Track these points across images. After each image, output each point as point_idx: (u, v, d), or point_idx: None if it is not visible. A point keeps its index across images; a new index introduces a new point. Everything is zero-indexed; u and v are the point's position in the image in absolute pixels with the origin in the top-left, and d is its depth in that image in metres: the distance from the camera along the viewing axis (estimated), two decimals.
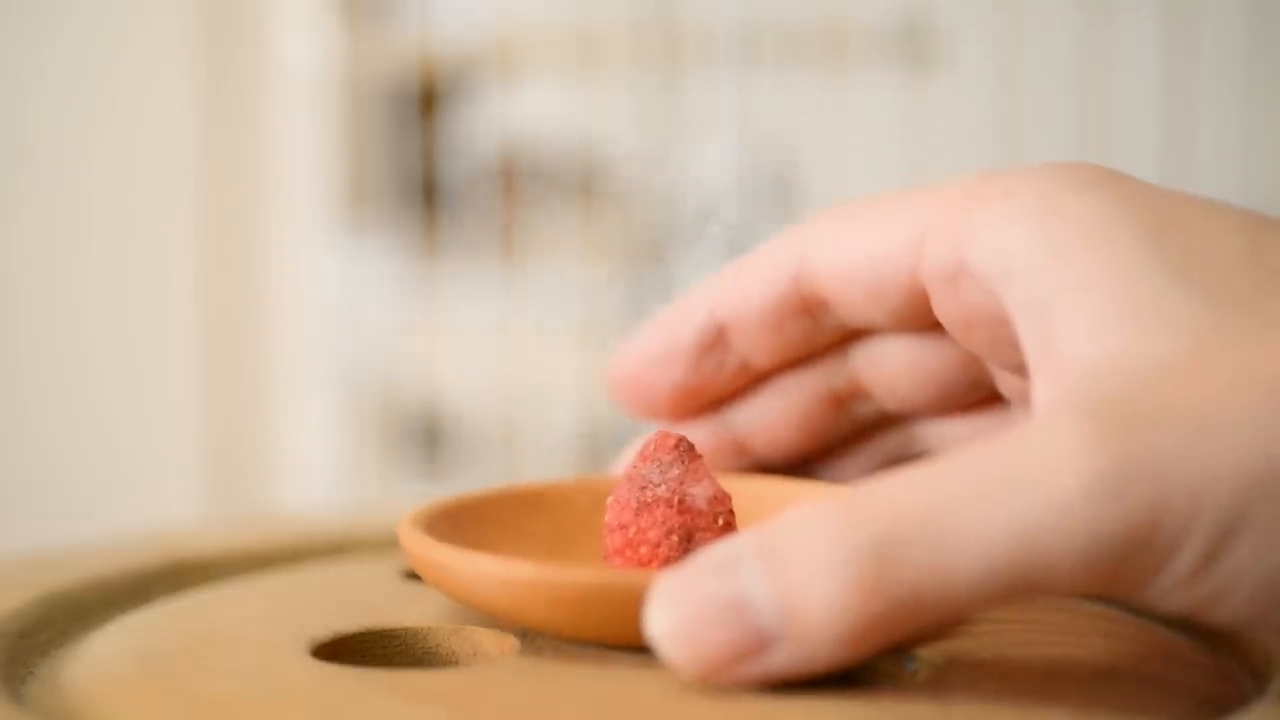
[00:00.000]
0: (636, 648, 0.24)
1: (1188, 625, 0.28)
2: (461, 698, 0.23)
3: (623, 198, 1.28)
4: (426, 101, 1.32)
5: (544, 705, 0.23)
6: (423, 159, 1.31)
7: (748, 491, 0.30)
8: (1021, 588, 0.21)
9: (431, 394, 1.31)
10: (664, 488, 0.27)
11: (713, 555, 0.22)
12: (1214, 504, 0.21)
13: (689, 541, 0.27)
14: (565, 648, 0.25)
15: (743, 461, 0.32)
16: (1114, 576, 0.21)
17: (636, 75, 1.20)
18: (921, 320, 0.28)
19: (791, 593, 0.22)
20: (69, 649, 0.28)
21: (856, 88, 1.14)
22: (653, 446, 0.28)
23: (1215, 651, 0.28)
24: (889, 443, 0.32)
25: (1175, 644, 0.27)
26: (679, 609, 0.22)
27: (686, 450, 0.28)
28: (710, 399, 0.31)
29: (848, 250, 0.28)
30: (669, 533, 0.27)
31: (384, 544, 0.35)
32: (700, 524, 0.27)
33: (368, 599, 0.29)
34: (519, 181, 1.29)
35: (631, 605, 0.23)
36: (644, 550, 0.27)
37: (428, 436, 1.32)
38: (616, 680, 0.24)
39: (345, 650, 0.26)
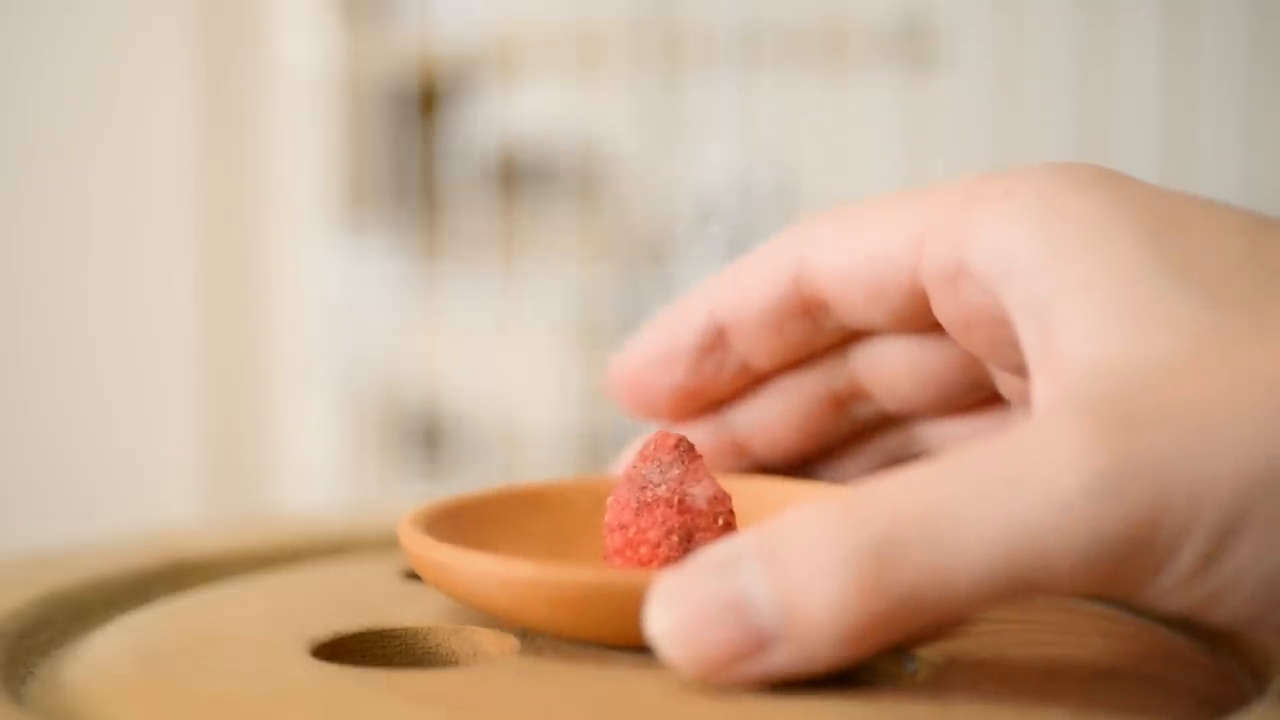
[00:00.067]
0: (636, 648, 0.24)
1: (1188, 625, 0.28)
2: (461, 698, 0.23)
3: (623, 198, 1.28)
4: (426, 101, 1.32)
5: (544, 705, 0.23)
6: (423, 159, 1.31)
7: (748, 491, 0.30)
8: (1021, 588, 0.21)
9: (431, 394, 1.31)
10: (664, 488, 0.27)
11: (713, 555, 0.22)
12: (1214, 504, 0.21)
13: (689, 541, 0.27)
14: (565, 648, 0.25)
15: (743, 462, 0.32)
16: (1114, 576, 0.21)
17: (636, 75, 1.20)
18: (921, 321, 0.28)
19: (791, 593, 0.22)
20: (69, 649, 0.28)
21: (856, 88, 1.14)
22: (653, 446, 0.28)
23: (1215, 651, 0.28)
24: (889, 443, 0.32)
25: (1175, 644, 0.27)
26: (679, 609, 0.22)
27: (686, 450, 0.28)
28: (710, 400, 0.31)
29: (847, 251, 0.28)
30: (669, 533, 0.27)
31: (384, 544, 0.35)
32: (700, 524, 0.27)
33: (368, 599, 0.29)
34: (519, 181, 1.29)
35: (631, 605, 0.23)
36: (644, 550, 0.27)
37: (428, 436, 1.32)
38: (616, 680, 0.24)
39: (345, 650, 0.26)
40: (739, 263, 0.30)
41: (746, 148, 1.20)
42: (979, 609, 0.22)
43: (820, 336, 0.30)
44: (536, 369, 1.23)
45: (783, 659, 0.22)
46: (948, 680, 0.24)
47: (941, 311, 0.27)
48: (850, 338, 0.30)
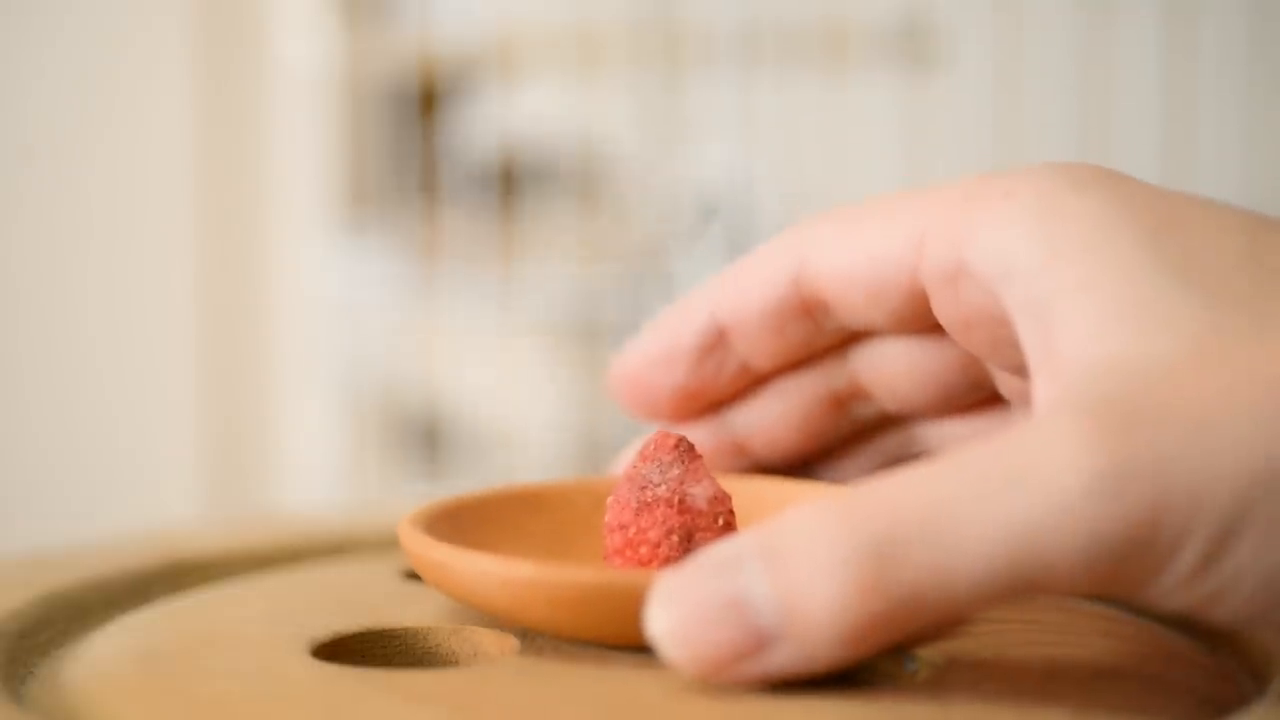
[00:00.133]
0: (637, 648, 0.24)
1: (1188, 625, 0.28)
2: (461, 698, 0.23)
3: (623, 198, 1.28)
4: (426, 101, 1.32)
5: (544, 705, 0.23)
6: (423, 159, 1.31)
7: (748, 491, 0.30)
8: (1021, 587, 0.21)
9: (431, 394, 1.31)
10: (664, 488, 0.27)
11: (713, 555, 0.22)
12: (1214, 503, 0.21)
13: (689, 541, 0.27)
14: (565, 648, 0.25)
15: (743, 463, 0.32)
16: (1114, 576, 0.21)
17: (636, 75, 1.20)
18: (921, 322, 0.28)
19: (792, 592, 0.22)
20: (69, 649, 0.28)
21: (856, 88, 1.14)
22: (653, 446, 0.28)
23: (1215, 651, 0.28)
24: (889, 444, 0.32)
25: (1175, 644, 0.27)
26: (679, 608, 0.22)
27: (686, 450, 0.28)
28: (711, 400, 0.31)
29: (847, 251, 0.28)
30: (669, 533, 0.27)
31: (384, 544, 0.35)
32: (700, 524, 0.27)
33: (368, 599, 0.29)
34: (519, 182, 1.29)
35: (632, 605, 0.23)
36: (644, 550, 0.27)
37: (427, 436, 1.32)
38: (616, 680, 0.24)
39: (345, 650, 0.26)
40: (739, 263, 0.30)
41: (746, 148, 1.20)
42: (979, 609, 0.22)
43: (820, 337, 0.30)
44: (536, 369, 1.23)
45: (783, 659, 0.22)
46: (948, 680, 0.24)
47: (941, 312, 0.27)
48: (850, 338, 0.30)
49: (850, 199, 0.29)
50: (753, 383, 0.31)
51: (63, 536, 0.37)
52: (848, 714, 0.22)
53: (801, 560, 0.22)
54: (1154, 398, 0.22)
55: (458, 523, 0.28)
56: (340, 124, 1.31)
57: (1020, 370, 0.27)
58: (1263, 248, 0.24)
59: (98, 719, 0.24)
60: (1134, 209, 0.24)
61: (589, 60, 1.20)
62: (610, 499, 0.27)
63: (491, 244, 1.26)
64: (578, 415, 1.21)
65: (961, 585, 0.21)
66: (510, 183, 1.27)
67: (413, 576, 0.31)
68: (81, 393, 1.33)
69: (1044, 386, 0.24)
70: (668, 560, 0.26)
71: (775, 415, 0.31)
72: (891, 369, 0.30)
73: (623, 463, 0.31)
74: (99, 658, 0.27)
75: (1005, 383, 0.29)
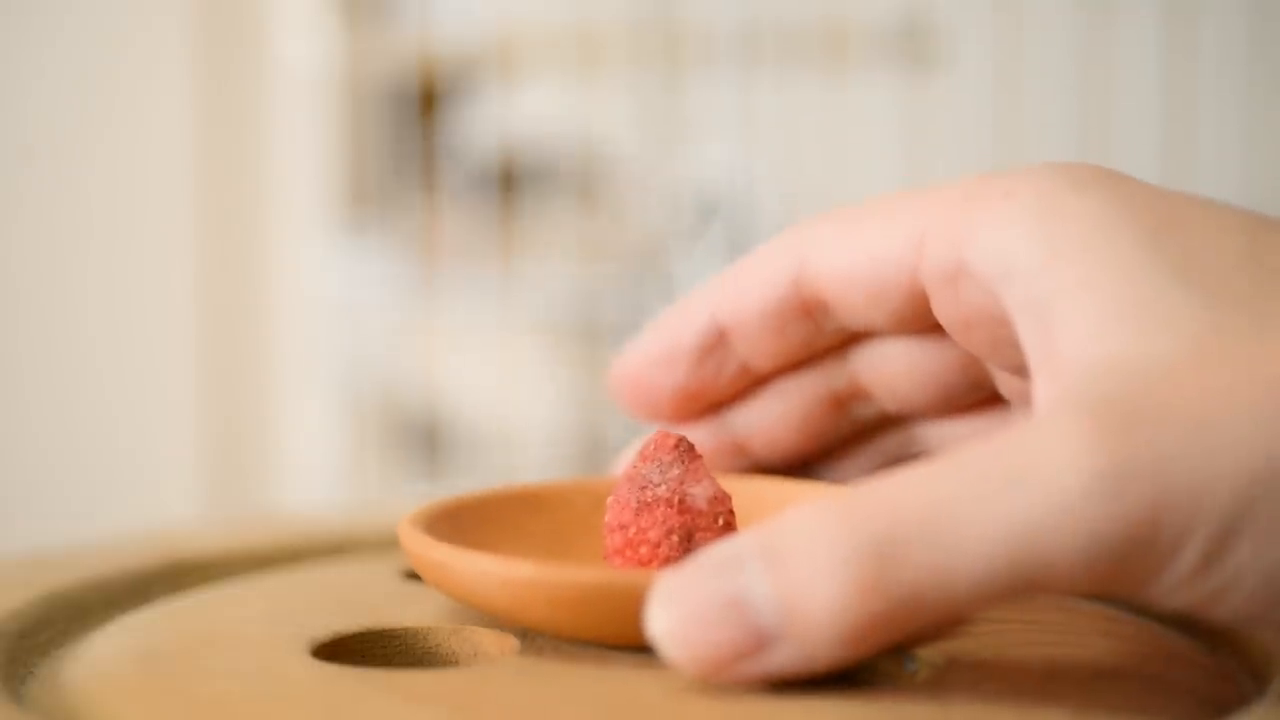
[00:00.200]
0: (637, 648, 0.24)
1: (1188, 625, 0.28)
2: (461, 698, 0.23)
3: (623, 198, 1.28)
4: (426, 101, 1.32)
5: (544, 705, 0.23)
6: (423, 159, 1.31)
7: (748, 491, 0.30)
8: (1021, 587, 0.21)
9: (431, 394, 1.31)
10: (664, 488, 0.27)
11: (713, 555, 0.22)
12: (1214, 503, 0.21)
13: (689, 541, 0.27)
14: (565, 648, 0.25)
15: (743, 463, 0.32)
16: (1115, 575, 0.21)
17: (636, 75, 1.20)
18: (921, 322, 0.28)
19: (792, 592, 0.22)
20: (69, 649, 0.28)
21: (856, 88, 1.14)
22: (653, 447, 0.28)
23: (1215, 651, 0.28)
24: (889, 444, 0.32)
25: (1175, 644, 0.27)
26: (680, 608, 0.22)
27: (686, 450, 0.28)
28: (711, 401, 0.31)
29: (848, 252, 0.28)
30: (669, 533, 0.27)
31: (384, 544, 0.35)
32: (700, 524, 0.27)
33: (368, 599, 0.29)
34: (519, 182, 1.29)
35: (632, 605, 0.23)
36: (644, 550, 0.27)
37: (427, 436, 1.32)
38: (616, 680, 0.24)
39: (345, 650, 0.26)
40: (739, 264, 0.30)
41: (746, 148, 1.20)
42: (979, 609, 0.22)
43: (820, 337, 0.30)
44: (536, 369, 1.23)
45: (783, 658, 0.22)
46: (948, 680, 0.24)
47: (941, 312, 0.27)
48: (850, 339, 0.30)
49: (850, 199, 0.29)
50: (753, 383, 0.31)
51: (63, 536, 0.37)
52: (848, 714, 0.22)
53: (801, 560, 0.22)
54: (1154, 397, 0.22)
55: (458, 523, 0.28)
56: (340, 124, 1.31)
57: (1020, 370, 0.27)
58: (1263, 248, 0.24)
59: (98, 719, 0.24)
60: (1134, 209, 0.24)
61: (589, 60, 1.20)
62: (610, 499, 0.27)
63: (491, 244, 1.26)
64: (578, 415, 1.21)
65: (961, 585, 0.21)
66: (510, 182, 1.27)
67: (413, 576, 0.31)
68: (81, 393, 1.33)
69: (1044, 386, 0.24)
70: (668, 560, 0.26)
71: (775, 415, 0.31)
72: (891, 369, 0.30)
73: (623, 463, 0.31)
74: (99, 658, 0.27)
75: (1005, 383, 0.29)
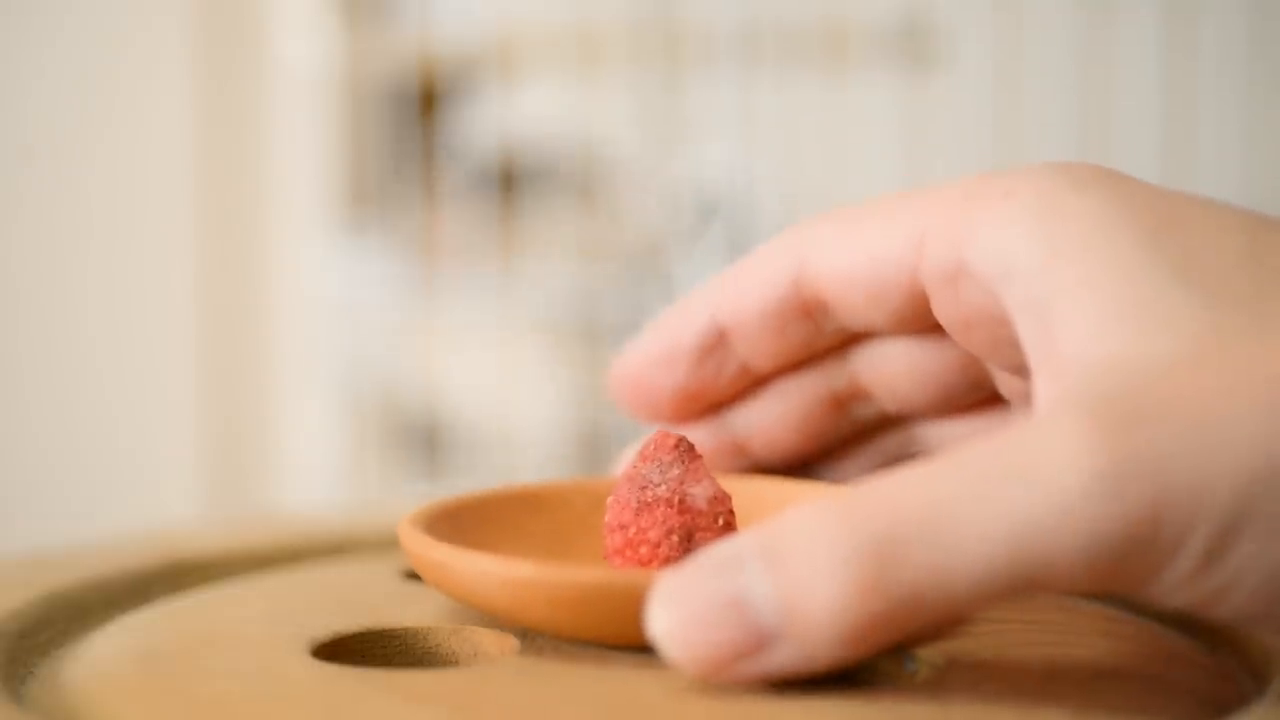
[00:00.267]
0: (637, 647, 0.24)
1: (1188, 625, 0.28)
2: (461, 698, 0.23)
3: (623, 197, 1.28)
4: (426, 101, 1.32)
5: (544, 705, 0.23)
6: (423, 159, 1.31)
7: (748, 491, 0.30)
8: (1022, 586, 0.21)
9: (431, 394, 1.31)
10: (664, 488, 0.27)
11: (714, 555, 0.22)
12: (1215, 501, 0.21)
13: (689, 541, 0.27)
14: (565, 648, 0.25)
15: (743, 463, 0.32)
16: (1116, 574, 0.21)
17: (636, 75, 1.20)
18: (921, 322, 0.28)
19: (792, 592, 0.22)
20: (69, 649, 0.28)
21: (856, 88, 1.14)
22: (653, 446, 0.28)
23: (1215, 651, 0.28)
24: (889, 444, 0.32)
25: (1175, 644, 0.27)
26: (680, 608, 0.22)
27: (686, 450, 0.28)
28: (711, 401, 0.31)
29: (847, 252, 0.28)
30: (669, 532, 0.27)
31: (384, 544, 0.35)
32: (700, 524, 0.27)
33: (368, 599, 0.29)
34: (519, 181, 1.29)
35: (632, 605, 0.23)
36: (644, 550, 0.27)
37: (427, 436, 1.32)
38: (616, 680, 0.24)
39: (345, 650, 0.26)
40: (739, 264, 0.30)
41: (746, 148, 1.20)
42: (979, 608, 0.22)
43: (820, 338, 0.30)
44: (536, 368, 1.23)
45: (783, 658, 0.22)
46: (948, 680, 0.24)
47: (941, 312, 0.27)
48: (850, 339, 0.30)
49: (850, 199, 0.29)
50: (753, 383, 0.31)
51: (63, 536, 0.37)
52: (848, 714, 0.22)
53: (802, 560, 0.22)
54: (1154, 396, 0.22)
55: (458, 523, 0.28)
56: (340, 124, 1.31)
57: (1020, 370, 0.27)
58: (1263, 247, 0.24)
59: (98, 719, 0.24)
60: (1134, 208, 0.24)
61: (589, 60, 1.20)
62: (610, 499, 0.27)
63: (491, 244, 1.26)
64: (578, 415, 1.21)
65: (961, 584, 0.21)
66: (510, 182, 1.27)
67: (413, 576, 0.31)
68: (81, 393, 1.33)
69: (1044, 386, 0.24)
70: (668, 560, 0.26)
71: (775, 416, 0.31)
72: (891, 369, 0.30)
73: (623, 463, 0.31)
74: (99, 658, 0.27)
75: (1005, 383, 0.29)
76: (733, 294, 0.30)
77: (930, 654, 0.25)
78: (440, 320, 1.27)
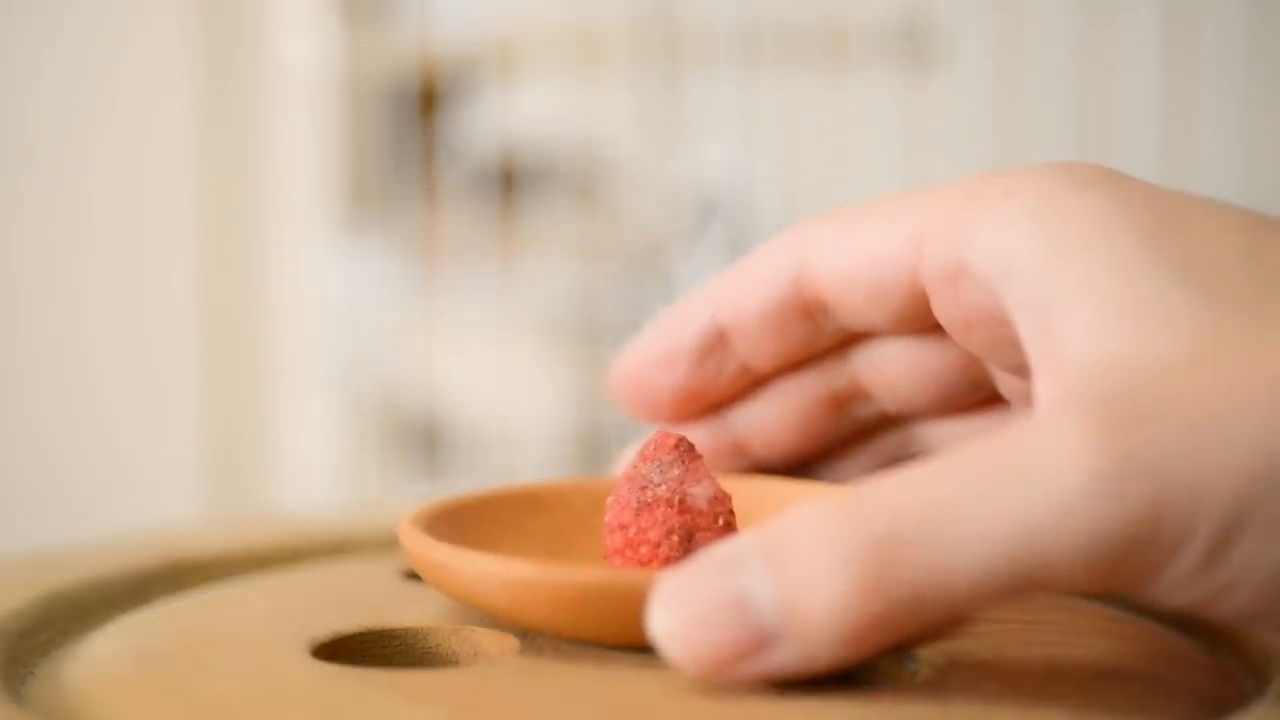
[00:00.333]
0: (637, 647, 0.24)
1: (1188, 625, 0.28)
2: (461, 698, 0.23)
3: (623, 197, 1.28)
4: (426, 101, 1.32)
5: (544, 705, 0.23)
6: (423, 159, 1.31)
7: (748, 491, 0.30)
8: (1022, 586, 0.21)
9: (431, 394, 1.31)
10: (664, 488, 0.27)
11: (714, 555, 0.22)
12: (1215, 500, 0.21)
13: (689, 541, 0.27)
14: (565, 648, 0.25)
15: (742, 463, 0.32)
16: (1116, 574, 0.21)
17: (636, 75, 1.20)
18: (921, 322, 0.28)
19: (793, 592, 0.22)
20: (69, 649, 0.28)
21: (856, 88, 1.14)
22: (653, 447, 0.28)
23: (1216, 651, 0.28)
24: (889, 444, 0.32)
25: (1176, 644, 0.27)
26: (681, 608, 0.22)
27: (687, 450, 0.28)
28: (711, 401, 0.31)
29: (847, 252, 0.28)
30: (669, 533, 0.27)
31: (384, 544, 0.35)
32: (700, 524, 0.27)
33: (368, 599, 0.29)
34: (518, 181, 1.29)
35: (632, 605, 0.23)
36: (644, 550, 0.27)
37: (427, 436, 1.32)
38: (616, 680, 0.24)
39: (345, 650, 0.26)
40: (739, 264, 0.30)
41: (746, 148, 1.20)
42: (980, 608, 0.22)
43: (820, 338, 0.30)
44: (536, 368, 1.23)
45: (784, 658, 0.22)
46: (948, 680, 0.24)
47: (941, 312, 0.27)
48: (850, 339, 0.30)
49: (850, 199, 0.29)
50: (753, 383, 0.31)
51: (63, 536, 0.37)
52: (848, 714, 0.22)
53: (802, 560, 0.22)
54: (1154, 396, 0.22)
55: (458, 523, 0.28)
56: (340, 124, 1.31)
57: (1020, 370, 0.27)
58: (1263, 248, 0.24)
59: (98, 719, 0.24)
60: (1134, 208, 0.24)
61: (589, 60, 1.20)
62: (610, 499, 0.27)
63: (491, 244, 1.26)
64: (578, 415, 1.21)
65: (962, 584, 0.21)
66: (510, 182, 1.27)
67: (413, 576, 0.31)
68: (81, 393, 1.33)
69: (1044, 386, 0.24)
70: (668, 560, 0.26)
71: (775, 416, 0.31)
72: (891, 369, 0.30)
73: (623, 463, 0.31)
74: (99, 658, 0.27)
75: (1005, 383, 0.29)
76: (733, 294, 0.30)
77: (930, 654, 0.25)
78: (440, 320, 1.27)
